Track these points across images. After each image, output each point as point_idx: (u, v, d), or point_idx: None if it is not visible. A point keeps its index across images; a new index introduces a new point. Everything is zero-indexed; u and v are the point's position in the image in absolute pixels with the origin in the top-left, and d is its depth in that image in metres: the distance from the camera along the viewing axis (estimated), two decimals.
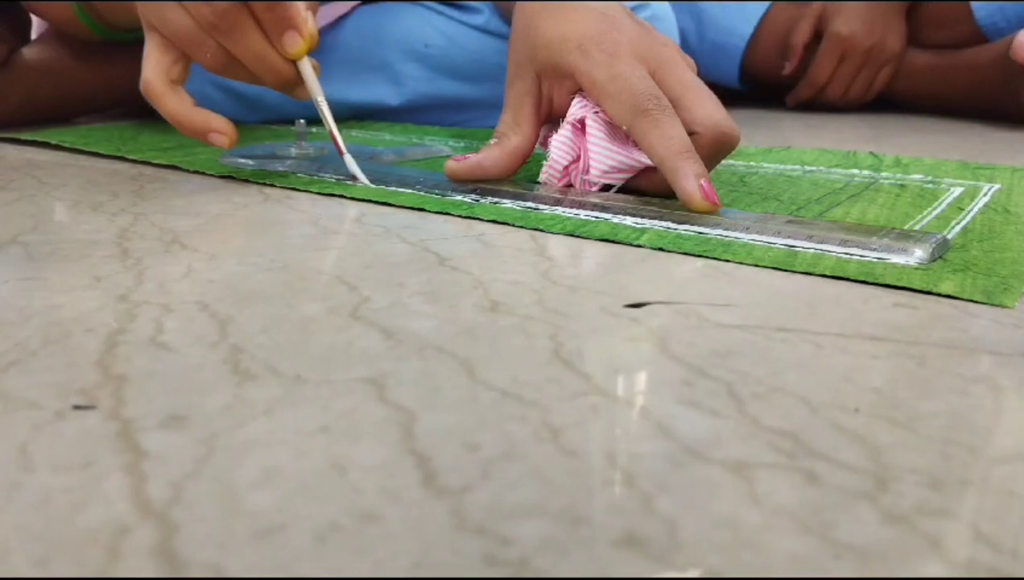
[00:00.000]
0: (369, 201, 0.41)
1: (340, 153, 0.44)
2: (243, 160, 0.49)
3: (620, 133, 0.40)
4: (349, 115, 0.71)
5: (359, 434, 0.18)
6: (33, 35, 0.71)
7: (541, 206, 0.38)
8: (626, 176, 0.40)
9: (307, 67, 0.44)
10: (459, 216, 0.37)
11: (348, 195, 0.42)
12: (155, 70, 0.44)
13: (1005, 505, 0.16)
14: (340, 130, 0.44)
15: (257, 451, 0.17)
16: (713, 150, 0.38)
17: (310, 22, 0.44)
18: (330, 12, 0.71)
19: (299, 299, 0.26)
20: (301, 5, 0.43)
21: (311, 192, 0.43)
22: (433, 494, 0.16)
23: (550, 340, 0.23)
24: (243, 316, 0.25)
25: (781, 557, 0.14)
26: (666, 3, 0.69)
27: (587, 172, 0.40)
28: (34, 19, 0.70)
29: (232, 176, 0.47)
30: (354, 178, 0.44)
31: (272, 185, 0.44)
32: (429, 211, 0.38)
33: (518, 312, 0.25)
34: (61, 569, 0.14)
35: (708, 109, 0.38)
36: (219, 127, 0.44)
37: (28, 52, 0.66)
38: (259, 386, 0.20)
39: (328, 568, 0.14)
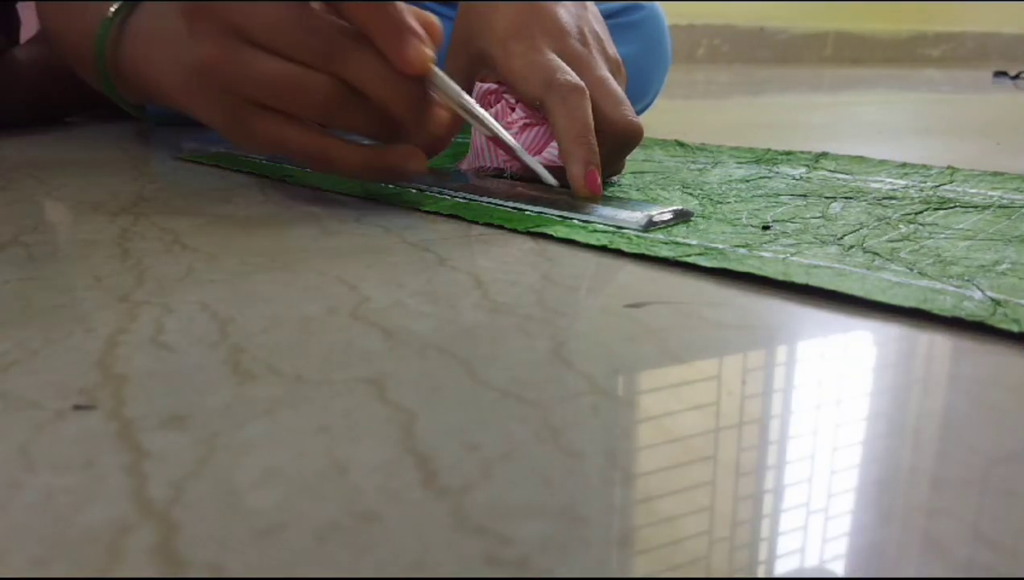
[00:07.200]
0: (369, 199, 0.41)
1: (513, 153, 0.39)
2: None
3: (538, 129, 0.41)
4: None
5: (359, 434, 0.18)
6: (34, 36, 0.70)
7: (547, 210, 0.38)
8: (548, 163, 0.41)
9: (441, 74, 0.36)
10: (458, 217, 0.37)
11: (344, 191, 0.42)
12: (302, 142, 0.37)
13: (1005, 505, 0.16)
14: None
15: (257, 451, 0.17)
16: (615, 146, 0.41)
17: (433, 19, 0.37)
18: None
19: (299, 299, 0.26)
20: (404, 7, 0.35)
21: (310, 185, 0.43)
22: (433, 494, 0.16)
23: (550, 340, 0.23)
24: (243, 316, 0.25)
25: (772, 552, 0.14)
26: (658, 3, 0.69)
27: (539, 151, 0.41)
28: (31, 20, 0.70)
29: (227, 166, 0.47)
30: (539, 179, 0.39)
31: (267, 176, 0.44)
32: (427, 211, 0.38)
33: (518, 312, 0.25)
34: (61, 569, 0.14)
35: (609, 107, 0.40)
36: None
37: (20, 52, 0.65)
38: (259, 386, 0.20)
39: (328, 568, 0.14)
